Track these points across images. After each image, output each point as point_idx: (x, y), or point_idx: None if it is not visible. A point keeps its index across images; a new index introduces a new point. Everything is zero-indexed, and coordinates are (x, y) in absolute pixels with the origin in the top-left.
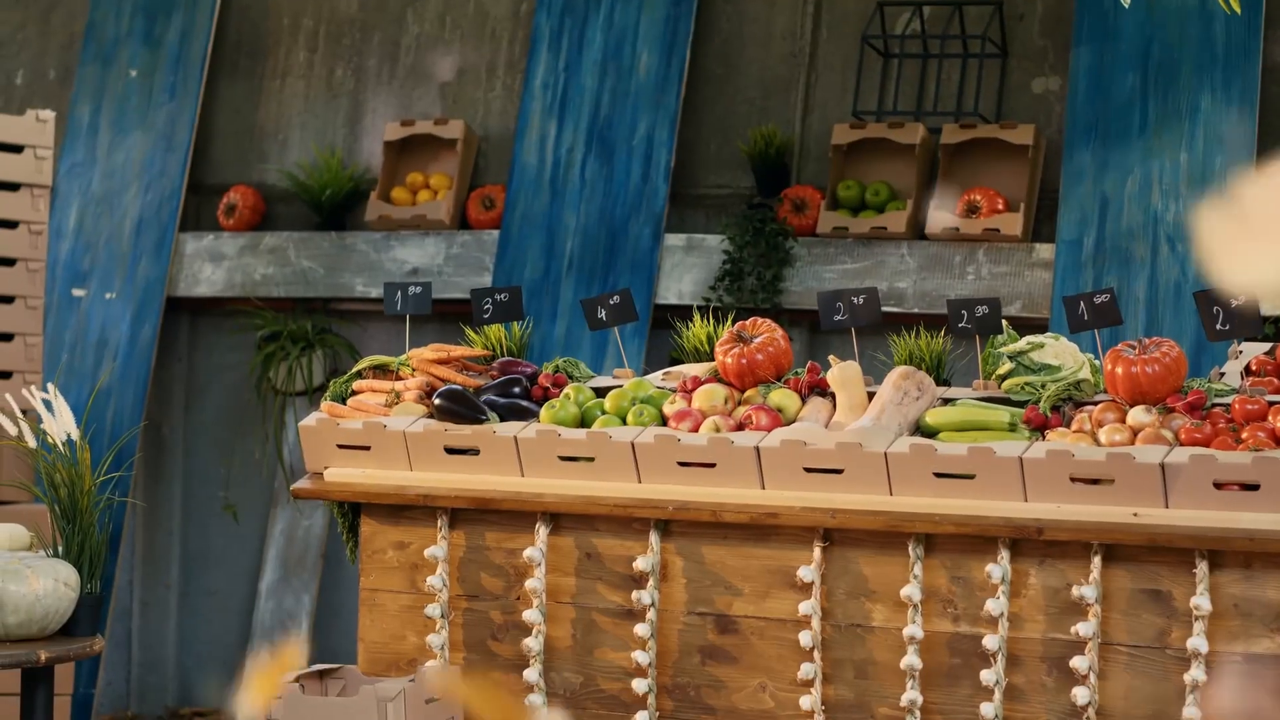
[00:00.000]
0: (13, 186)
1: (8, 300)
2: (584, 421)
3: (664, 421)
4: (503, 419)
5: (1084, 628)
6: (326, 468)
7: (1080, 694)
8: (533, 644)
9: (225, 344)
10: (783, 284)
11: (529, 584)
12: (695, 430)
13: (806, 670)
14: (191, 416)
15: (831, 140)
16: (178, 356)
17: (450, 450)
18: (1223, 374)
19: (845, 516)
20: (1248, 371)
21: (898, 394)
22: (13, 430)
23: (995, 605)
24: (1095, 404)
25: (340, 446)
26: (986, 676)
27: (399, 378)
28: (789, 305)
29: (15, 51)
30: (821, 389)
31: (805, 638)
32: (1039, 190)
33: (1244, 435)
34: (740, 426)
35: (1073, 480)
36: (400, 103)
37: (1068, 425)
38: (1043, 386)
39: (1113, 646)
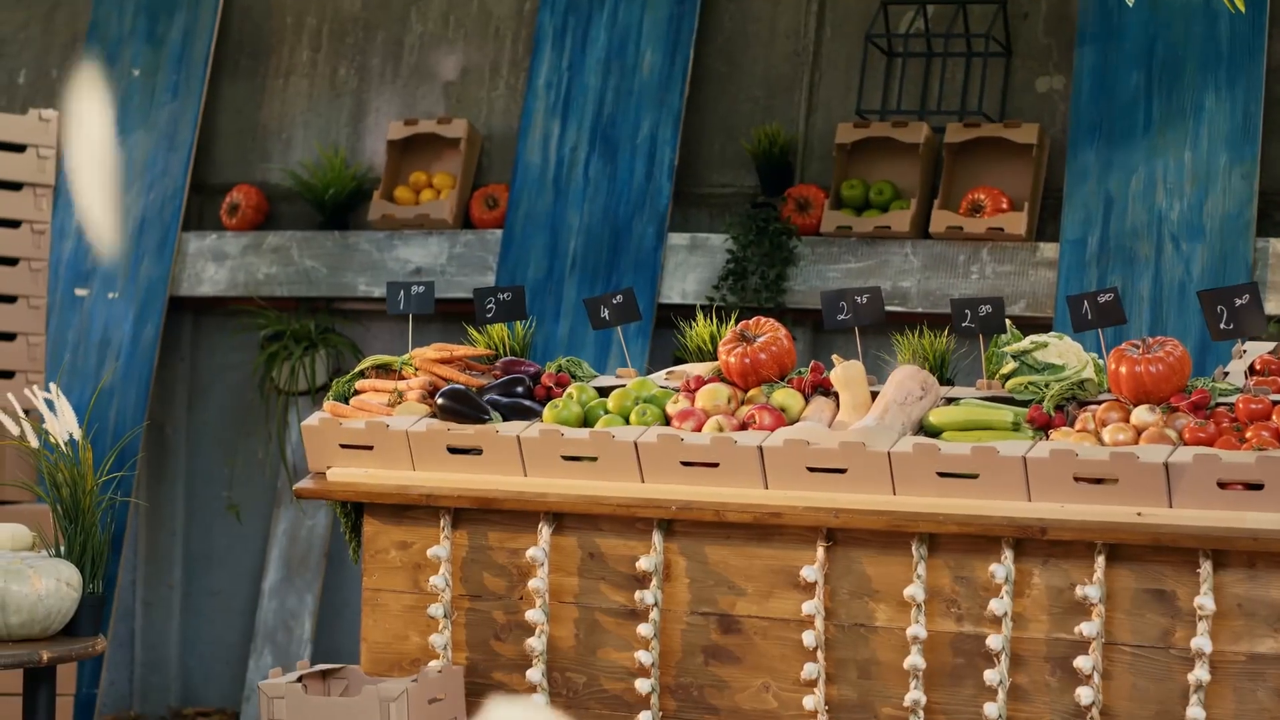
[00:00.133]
0: (15, 186)
1: (10, 300)
2: (587, 421)
3: (667, 421)
4: (505, 419)
5: (1088, 628)
6: (329, 467)
7: (1084, 694)
8: (535, 644)
9: (228, 344)
10: (786, 283)
11: (532, 584)
12: (698, 430)
13: (810, 670)
14: (194, 416)
15: (835, 139)
16: (180, 356)
17: (453, 450)
18: (1227, 373)
19: (849, 516)
20: (1252, 371)
21: (901, 393)
22: (15, 430)
23: (999, 605)
24: (1099, 403)
25: (343, 446)
26: (990, 676)
27: (402, 377)
28: (793, 304)
29: (18, 50)
30: (825, 388)
31: (808, 638)
32: (1043, 189)
33: (1248, 435)
34: (743, 426)
35: (1076, 480)
36: (403, 102)
37: (1071, 425)
38: (1046, 386)
39: (1116, 646)
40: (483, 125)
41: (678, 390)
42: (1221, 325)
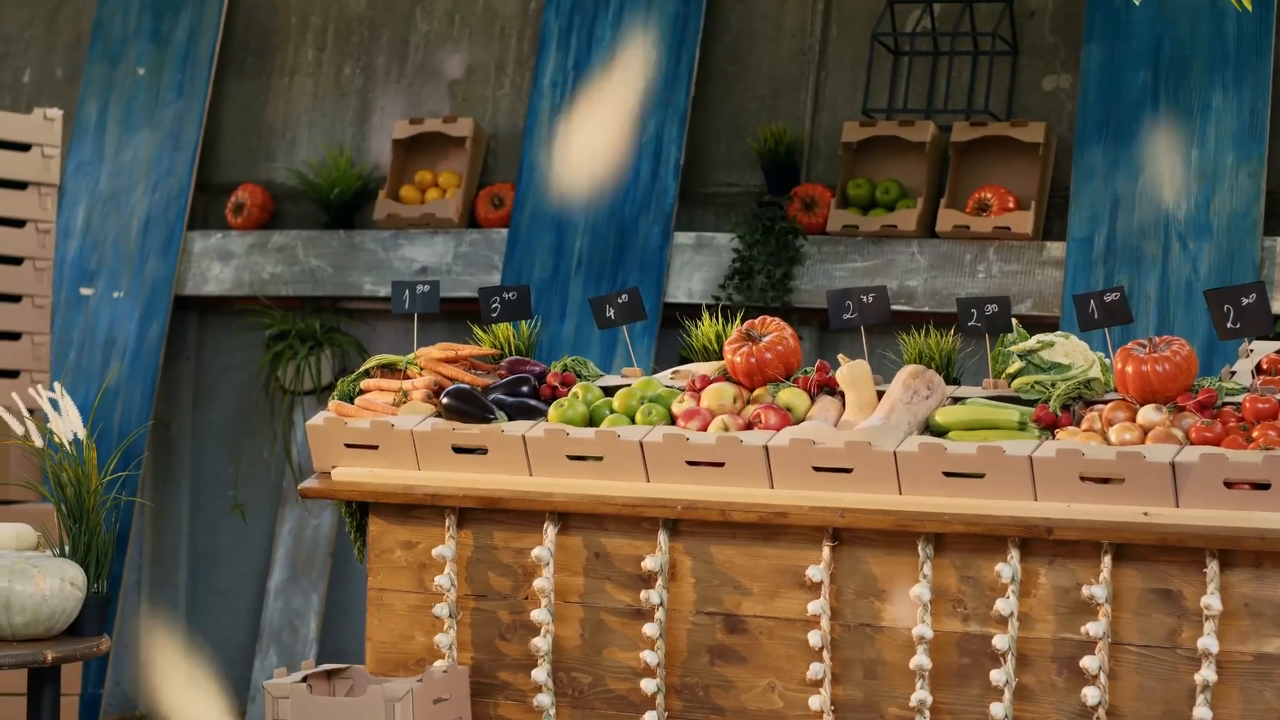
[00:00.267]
0: (20, 185)
1: (15, 299)
2: (592, 420)
3: (672, 420)
4: (511, 418)
5: (1094, 627)
6: (334, 467)
7: (1090, 694)
8: (541, 644)
9: (233, 343)
10: (792, 282)
11: (537, 583)
12: (704, 429)
13: (815, 670)
14: (199, 416)
15: (841, 138)
16: (186, 355)
17: (458, 449)
18: (1233, 372)
19: (854, 516)
20: (1259, 370)
21: (907, 393)
22: (20, 429)
23: (1005, 605)
24: (1105, 403)
25: (348, 446)
26: (996, 676)
27: (407, 377)
28: (799, 304)
29: (23, 50)
30: (831, 388)
31: (814, 637)
32: (1050, 188)
33: (1255, 434)
34: (749, 425)
35: (1083, 479)
36: (409, 101)
37: (1078, 424)
38: (1052, 385)
39: (1123, 646)
40: (488, 124)
41: (683, 390)
42: (1228, 324)
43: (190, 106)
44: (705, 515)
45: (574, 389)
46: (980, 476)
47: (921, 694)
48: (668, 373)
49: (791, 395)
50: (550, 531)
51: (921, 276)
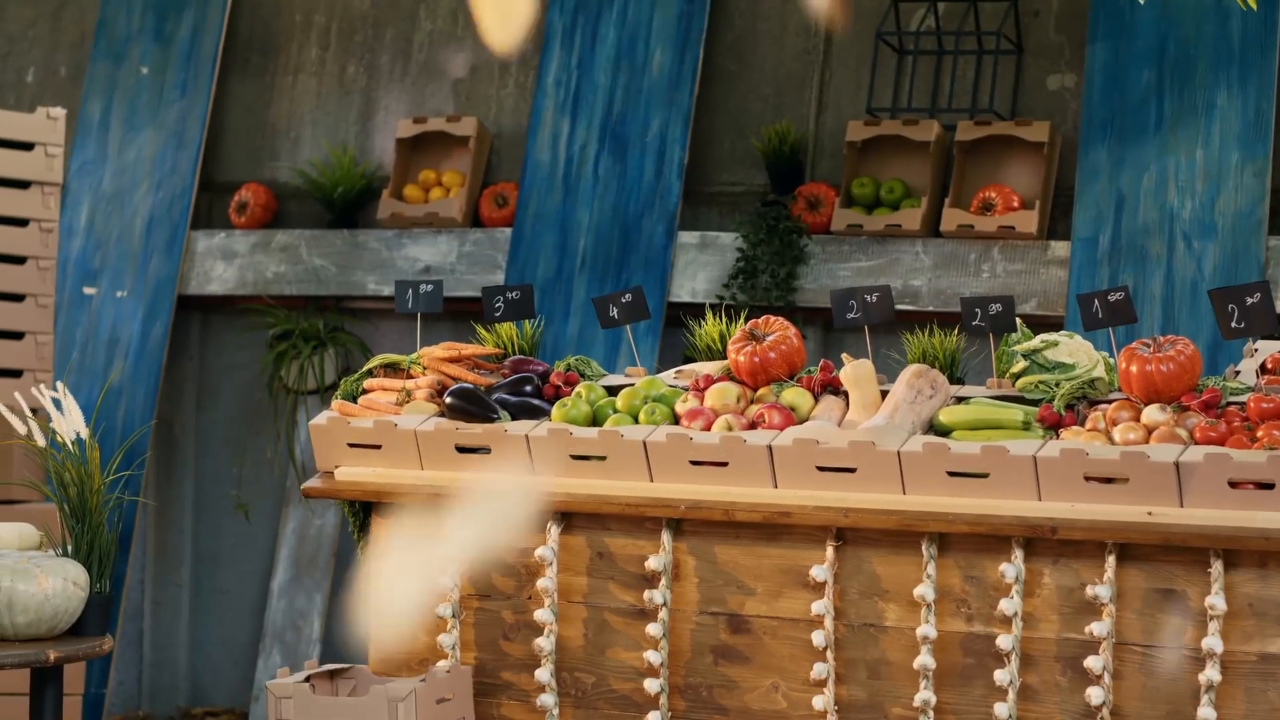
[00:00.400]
0: (23, 184)
1: (18, 298)
2: (596, 420)
3: (676, 420)
4: (514, 418)
5: (1098, 627)
6: (337, 466)
7: (1095, 694)
8: (544, 644)
9: (237, 342)
10: (797, 282)
11: (540, 583)
12: (707, 429)
13: (819, 670)
14: (203, 415)
15: (846, 137)
16: (189, 355)
17: (461, 449)
18: (1238, 372)
19: (858, 515)
20: (1263, 370)
21: (911, 392)
22: (22, 429)
23: (1009, 605)
24: (1109, 402)
25: (351, 445)
26: (1000, 676)
27: (410, 376)
28: (803, 303)
29: (26, 48)
30: (834, 387)
31: (818, 637)
32: (1054, 187)
33: (1259, 434)
34: (753, 425)
35: (1087, 479)
36: (412, 100)
37: (1082, 424)
38: (1057, 385)
39: (1127, 646)
40: (492, 123)
41: (687, 389)
42: (1233, 324)
43: (194, 105)
44: (709, 515)
45: (577, 388)
46: (984, 476)
47: (925, 694)
48: (671, 372)
49: (795, 395)
50: (553, 531)
51: (926, 276)
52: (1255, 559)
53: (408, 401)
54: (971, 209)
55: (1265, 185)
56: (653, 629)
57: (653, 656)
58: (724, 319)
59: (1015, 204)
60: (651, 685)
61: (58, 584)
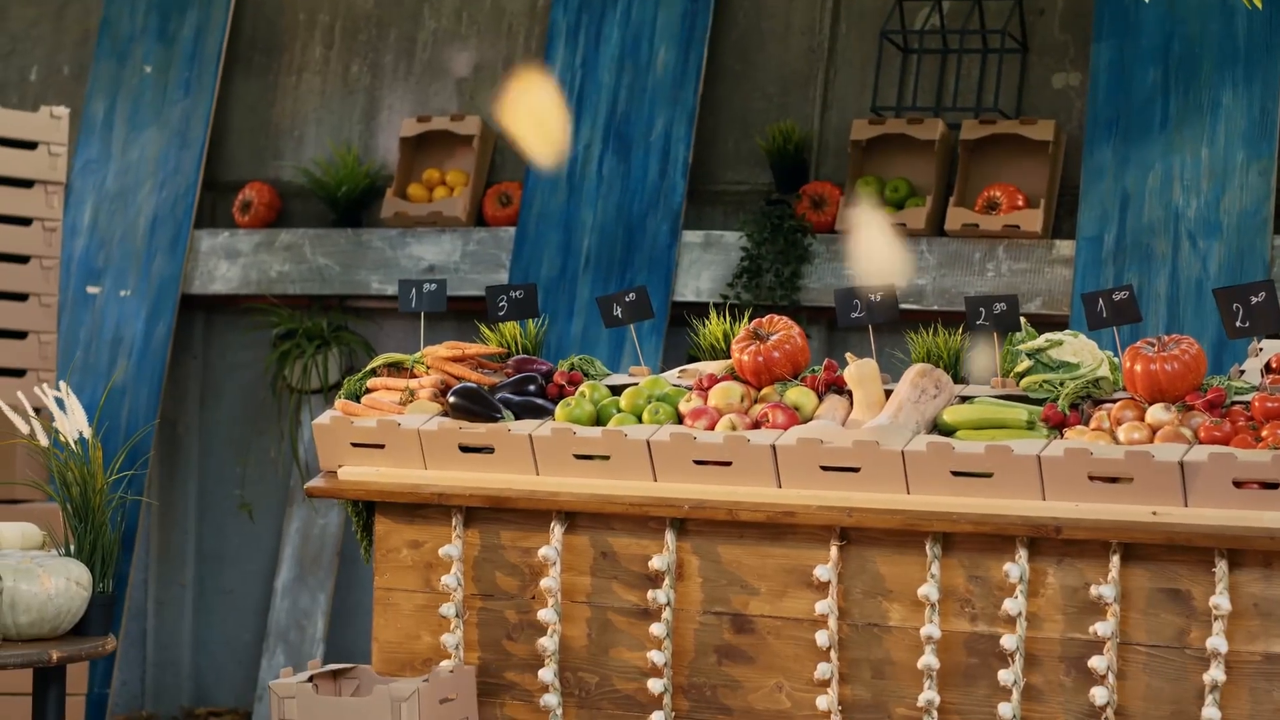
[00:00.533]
0: (27, 183)
1: (22, 298)
2: (599, 420)
3: (680, 419)
4: (518, 417)
5: (1102, 627)
6: (340, 466)
7: (1099, 694)
8: (548, 643)
9: (240, 341)
10: (801, 281)
11: (544, 583)
12: (711, 428)
13: (823, 670)
14: (206, 414)
15: (850, 136)
16: (193, 354)
17: (465, 448)
18: (1243, 371)
19: (862, 515)
20: (1268, 369)
21: (915, 392)
22: (25, 429)
23: (1013, 605)
24: (1114, 402)
25: (354, 445)
26: (1004, 676)
27: (413, 375)
28: (807, 302)
29: (30, 47)
30: (838, 387)
31: (822, 637)
32: (1059, 186)
33: (1264, 433)
34: (756, 425)
35: (1091, 479)
36: (416, 99)
37: (1086, 423)
38: (1061, 384)
39: (1131, 646)
40: (496, 122)
41: (691, 389)
42: (1237, 323)
43: (197, 104)
44: (712, 515)
45: (581, 388)
46: (988, 476)
47: (929, 694)
48: (675, 371)
49: (799, 394)
50: (557, 531)
51: (930, 275)
52: (1260, 559)
53: (411, 401)
54: (976, 208)
55: (1270, 184)
56: (656, 629)
57: (656, 656)
58: (728, 318)
59: (1020, 203)
60: (655, 685)
61: (60, 584)
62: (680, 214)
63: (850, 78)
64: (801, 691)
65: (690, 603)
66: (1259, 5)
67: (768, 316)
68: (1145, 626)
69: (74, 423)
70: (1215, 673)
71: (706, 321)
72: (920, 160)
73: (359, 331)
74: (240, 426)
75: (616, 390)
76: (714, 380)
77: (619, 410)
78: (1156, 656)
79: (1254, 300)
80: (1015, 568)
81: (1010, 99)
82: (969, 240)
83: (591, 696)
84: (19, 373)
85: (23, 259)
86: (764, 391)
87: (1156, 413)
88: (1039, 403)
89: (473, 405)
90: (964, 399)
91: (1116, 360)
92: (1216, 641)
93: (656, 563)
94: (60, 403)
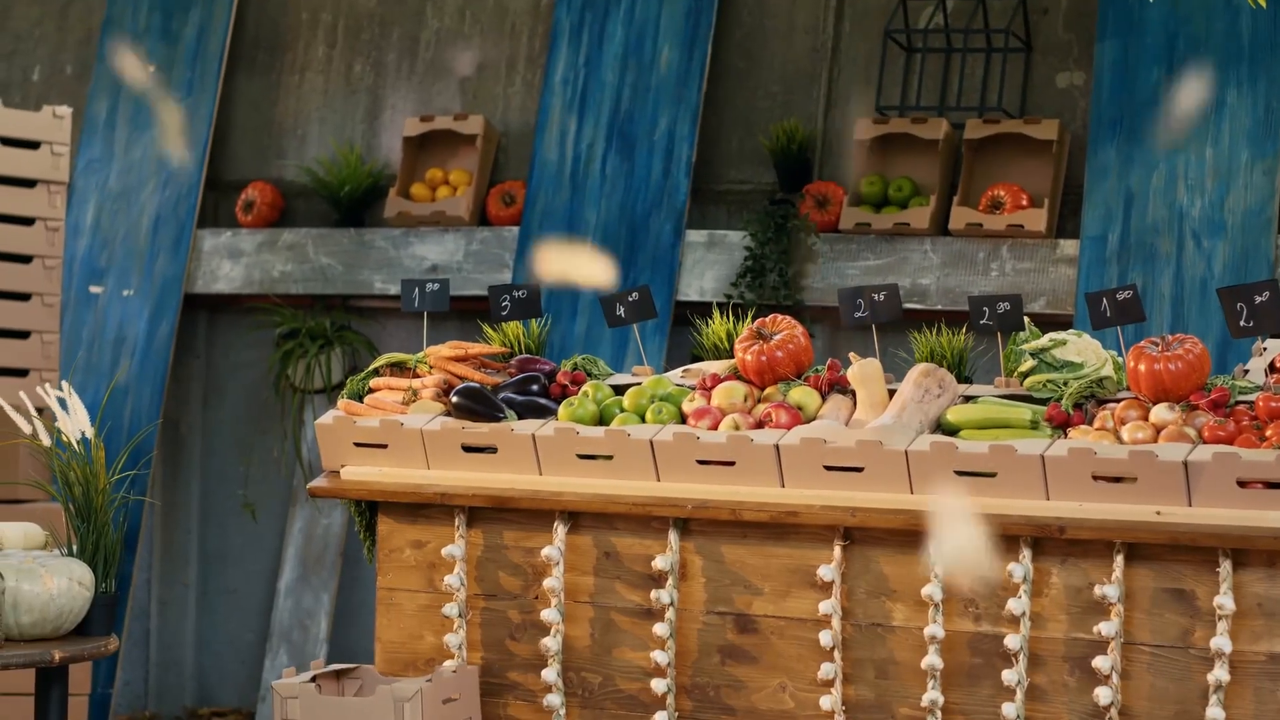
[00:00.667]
0: (29, 183)
1: (24, 297)
2: (602, 419)
3: (683, 419)
4: (521, 417)
5: (1106, 627)
6: (343, 466)
7: (1103, 694)
8: (551, 643)
9: (243, 341)
10: (805, 280)
11: (547, 583)
12: (714, 428)
13: (827, 670)
14: (209, 414)
15: (854, 135)
16: (195, 354)
17: (468, 448)
18: (1247, 371)
19: (866, 515)
20: (1272, 369)
21: (919, 391)
22: (28, 428)
23: (1017, 604)
24: (1118, 401)
25: (357, 445)
26: (1008, 676)
27: (416, 375)
28: (811, 302)
29: (32, 47)
30: (842, 386)
31: (825, 637)
32: (1063, 185)
33: (1268, 433)
34: (760, 424)
35: (1095, 478)
36: (419, 98)
37: (1090, 423)
38: (1065, 384)
39: (1135, 646)
40: (499, 122)
41: (694, 388)
42: (1241, 322)
43: (200, 104)
44: (716, 514)
45: (584, 387)
46: (992, 475)
47: (933, 694)
48: (678, 371)
49: (802, 394)
50: (560, 531)
51: (934, 274)
52: (1264, 558)
53: (414, 401)
54: (980, 207)
55: (1275, 183)
56: (659, 629)
57: (659, 656)
58: (731, 318)
59: (1024, 202)
60: (658, 685)
61: (63, 584)
62: (684, 213)
63: (854, 77)
64: (805, 691)
65: (693, 603)
66: (1263, 4)
67: (771, 316)
68: (1149, 626)
69: (77, 422)
70: (1219, 673)
71: (710, 321)
72: (924, 159)
73: (362, 331)
74: (243, 426)
75: (620, 390)
76: (717, 380)
77: (622, 410)
78: (1160, 656)
79: (1258, 300)
80: (1019, 567)
81: (1014, 98)
82: (973, 240)
83: (595, 696)
84: (22, 372)
85: (25, 259)
86: (767, 391)
87: (1160, 412)
88: (1043, 402)
89: (476, 405)
90: (968, 399)
91: (1120, 360)
92: (1220, 641)
93: (660, 563)
94: (63, 402)
